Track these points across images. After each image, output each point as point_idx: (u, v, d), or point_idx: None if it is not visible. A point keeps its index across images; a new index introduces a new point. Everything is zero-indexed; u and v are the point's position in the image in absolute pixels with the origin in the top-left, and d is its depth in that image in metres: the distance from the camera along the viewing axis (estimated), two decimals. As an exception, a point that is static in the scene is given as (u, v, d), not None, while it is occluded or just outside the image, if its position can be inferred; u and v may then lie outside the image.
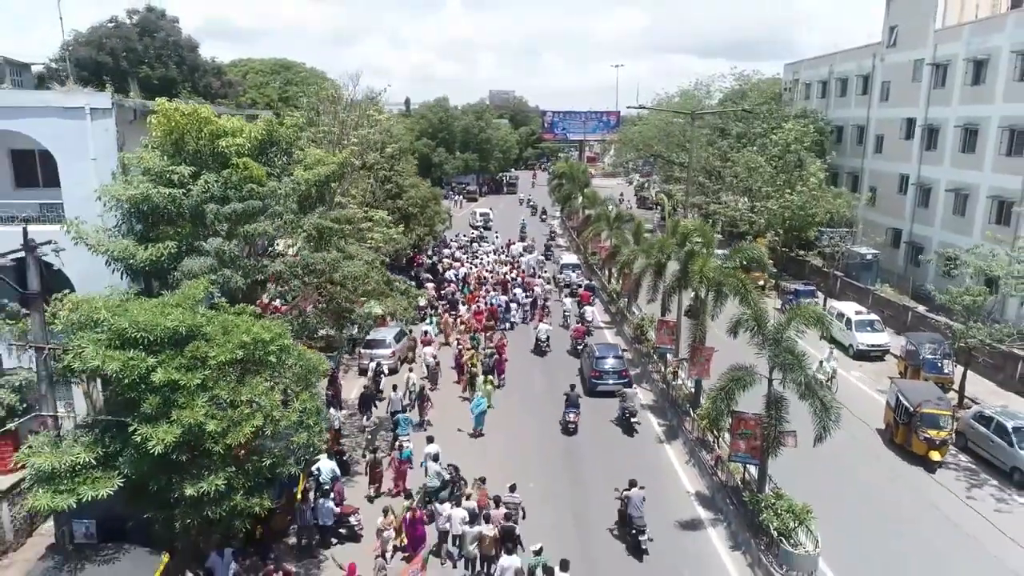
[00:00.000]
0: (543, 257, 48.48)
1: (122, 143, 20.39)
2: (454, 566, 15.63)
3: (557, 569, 13.59)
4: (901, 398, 22.13)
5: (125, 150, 19.77)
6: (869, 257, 39.16)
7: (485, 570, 15.19)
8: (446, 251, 47.48)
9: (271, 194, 17.85)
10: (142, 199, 16.48)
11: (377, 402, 22.68)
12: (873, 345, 30.29)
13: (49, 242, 14.09)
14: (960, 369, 25.36)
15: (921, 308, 33.51)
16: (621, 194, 67.99)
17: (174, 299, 14.18)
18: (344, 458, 19.66)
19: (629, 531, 16.41)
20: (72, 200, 19.03)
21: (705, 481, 19.27)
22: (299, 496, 17.72)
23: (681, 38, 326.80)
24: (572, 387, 23.47)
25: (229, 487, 13.40)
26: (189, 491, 12.79)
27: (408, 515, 15.89)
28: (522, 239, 52.50)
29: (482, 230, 58.99)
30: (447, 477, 17.60)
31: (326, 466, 17.96)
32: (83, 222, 17.12)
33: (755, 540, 15.62)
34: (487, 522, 15.15)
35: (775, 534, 14.94)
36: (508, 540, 14.68)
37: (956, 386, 25.45)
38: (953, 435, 21.63)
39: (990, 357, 27.28)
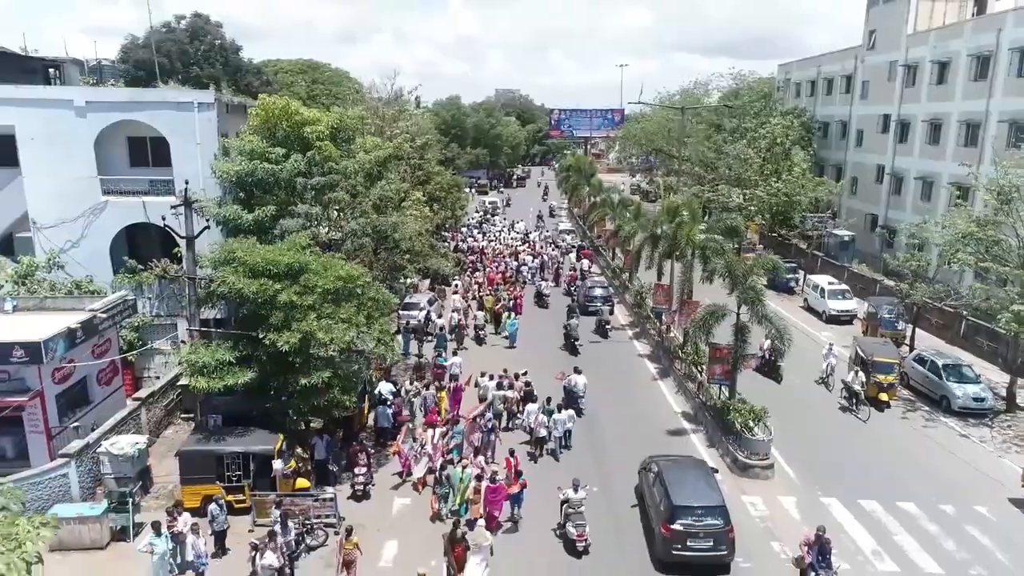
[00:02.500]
0: (536, 228, 58.62)
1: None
2: (487, 421, 20.77)
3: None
4: (859, 350, 26.57)
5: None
6: (846, 239, 43.60)
7: (509, 423, 22.23)
8: (464, 230, 53.94)
9: (343, 171, 22.53)
10: (248, 173, 21.08)
11: (427, 334, 28.55)
12: (842, 311, 34.79)
13: (197, 200, 18.71)
14: (912, 328, 29.90)
15: (889, 282, 37.89)
16: (621, 191, 73.11)
17: (285, 245, 18.81)
18: (397, 387, 24.26)
19: (569, 343, 29.05)
20: (181, 176, 23.65)
21: (689, 404, 23.86)
22: (365, 410, 22.40)
23: (686, 36, 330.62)
24: (574, 299, 35.29)
25: (328, 385, 18.09)
26: (303, 381, 17.48)
27: (452, 384, 23.05)
28: (508, 205, 73.30)
29: (489, 215, 67.21)
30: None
31: (385, 387, 22.59)
32: (193, 193, 21.79)
33: (724, 436, 20.24)
34: (510, 389, 22.44)
35: (739, 427, 19.52)
36: (529, 397, 21.80)
37: (908, 340, 29.97)
38: (899, 378, 26.03)
39: (940, 318, 31.83)
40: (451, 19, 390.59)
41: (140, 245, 26.41)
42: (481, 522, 15.64)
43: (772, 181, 44.92)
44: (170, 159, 24.50)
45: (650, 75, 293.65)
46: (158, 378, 24.00)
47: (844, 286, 36.42)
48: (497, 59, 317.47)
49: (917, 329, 31.08)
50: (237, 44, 50.80)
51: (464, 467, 17.30)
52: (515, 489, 16.66)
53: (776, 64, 64.32)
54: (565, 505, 16.36)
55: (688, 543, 15.09)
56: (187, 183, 18.45)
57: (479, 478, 16.70)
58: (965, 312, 29.70)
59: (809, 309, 37.04)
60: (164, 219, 18.64)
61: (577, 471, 18.08)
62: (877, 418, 23.86)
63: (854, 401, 23.95)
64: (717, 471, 17.48)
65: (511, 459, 17.65)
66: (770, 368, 25.98)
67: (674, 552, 15.22)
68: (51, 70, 41.22)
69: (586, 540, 15.86)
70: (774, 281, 40.84)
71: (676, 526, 15.10)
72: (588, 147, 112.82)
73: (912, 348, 29.46)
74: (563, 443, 20.74)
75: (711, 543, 15.09)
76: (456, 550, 14.36)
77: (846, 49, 51.03)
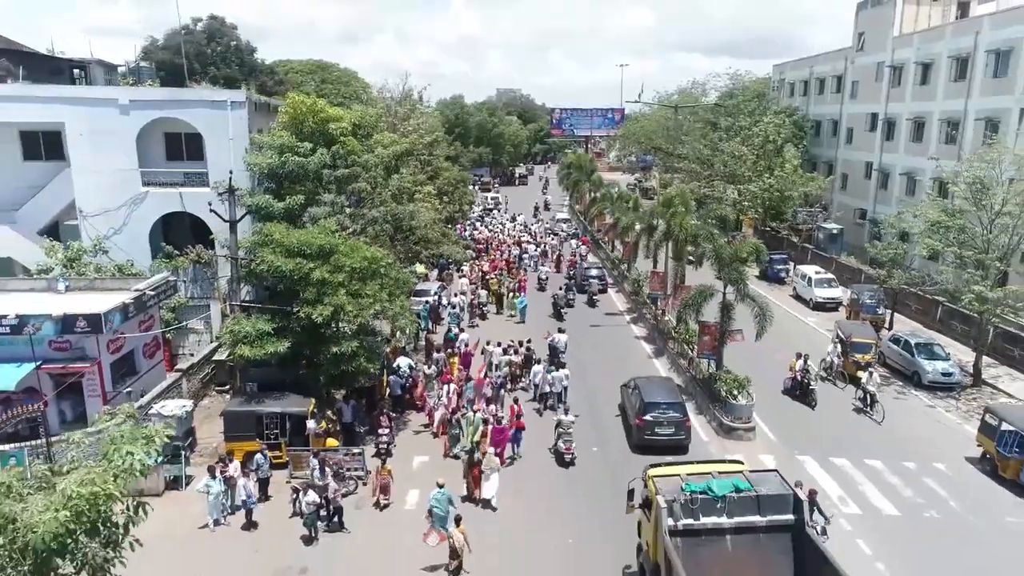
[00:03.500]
0: (534, 218, 64.47)
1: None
2: (494, 382, 23.73)
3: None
4: (839, 331, 28.64)
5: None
6: (835, 232, 45.69)
7: (512, 384, 24.92)
8: (468, 224, 56.89)
9: (364, 164, 24.66)
10: (279, 166, 23.19)
11: (441, 312, 31.60)
12: (828, 298, 36.89)
13: (238, 189, 20.82)
14: (891, 312, 31.99)
15: (874, 272, 40.00)
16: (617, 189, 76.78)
17: (316, 229, 20.93)
18: (412, 362, 26.41)
19: (556, 310, 33.74)
20: (214, 169, 25.79)
21: (681, 378, 25.95)
22: (385, 383, 24.51)
23: (688, 36, 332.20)
24: (571, 276, 39.92)
25: (355, 354, 20.21)
26: (334, 349, 19.64)
27: (464, 349, 26.00)
28: (506, 200, 75.98)
29: (491, 210, 71.35)
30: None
31: (404, 362, 24.73)
32: (223, 183, 23.88)
33: (712, 404, 22.35)
34: (515, 354, 25.47)
35: (724, 395, 21.63)
36: (530, 361, 25.10)
37: (887, 324, 32.07)
38: (876, 357, 28.05)
39: (919, 304, 33.92)
40: (452, 19, 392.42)
41: (173, 232, 28.59)
42: (491, 450, 18.45)
43: (765, 177, 47.04)
44: (202, 153, 26.70)
45: (651, 75, 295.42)
46: (192, 355, 26.12)
47: (830, 275, 38.54)
48: (498, 59, 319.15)
49: (898, 314, 33.19)
50: (252, 45, 52.93)
51: (476, 412, 20.31)
52: (515, 428, 20.35)
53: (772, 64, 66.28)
54: (558, 427, 20.31)
55: (656, 430, 20.07)
56: (231, 172, 20.57)
57: (486, 422, 19.77)
58: (941, 298, 31.81)
59: (798, 297, 39.12)
60: (210, 204, 20.74)
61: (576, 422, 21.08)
62: (851, 389, 25.95)
63: (868, 400, 23.74)
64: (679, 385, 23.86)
65: (515, 406, 21.12)
66: (802, 391, 24.34)
67: (645, 437, 20.09)
68: (76, 70, 43.30)
69: (572, 453, 19.85)
70: (766, 272, 43.18)
71: (647, 417, 20.11)
72: (589, 146, 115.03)
73: (891, 330, 31.51)
74: (560, 398, 23.51)
75: (672, 430, 20.10)
76: (474, 472, 17.72)
77: (837, 50, 53.07)
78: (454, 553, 14.52)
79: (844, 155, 51.34)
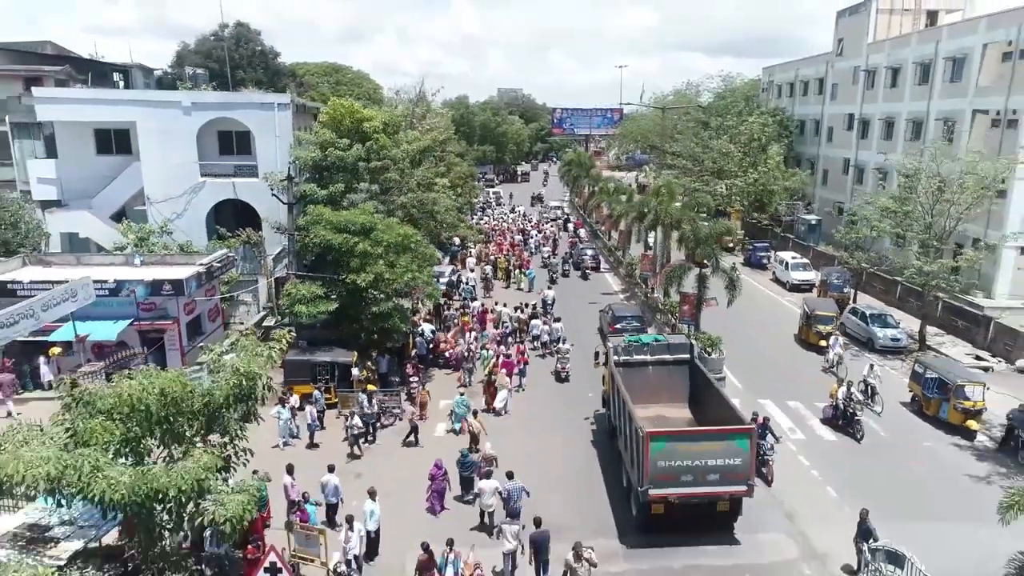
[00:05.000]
0: (531, 207, 74.18)
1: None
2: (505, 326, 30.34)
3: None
4: (805, 307, 32.65)
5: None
6: (813, 223, 49.78)
7: (520, 337, 30.26)
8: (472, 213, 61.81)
9: (393, 158, 28.72)
10: (322, 158, 27.23)
11: (459, 290, 36.00)
12: (802, 280, 40.96)
13: (292, 177, 24.89)
14: (855, 291, 36.08)
15: (839, 255, 44.02)
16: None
17: (358, 211, 24.99)
18: (434, 327, 30.49)
19: (550, 276, 40.56)
20: (262, 162, 29.85)
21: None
22: (411, 344, 28.59)
23: (689, 36, 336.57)
24: (569, 253, 47.10)
25: (390, 314, 24.29)
26: (374, 309, 23.73)
27: (481, 309, 31.54)
28: (509, 196, 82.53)
29: (494, 203, 77.17)
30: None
31: (427, 327, 28.81)
32: (273, 174, 27.96)
33: (690, 360, 26.47)
34: (521, 312, 31.54)
35: (699, 351, 25.63)
36: (533, 317, 31.18)
37: (852, 301, 36.11)
38: (837, 327, 32.03)
39: (882, 285, 37.97)
40: (453, 19, 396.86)
41: (221, 217, 32.67)
42: (504, 371, 23.82)
43: (750, 173, 51.11)
44: (250, 148, 30.78)
45: (652, 74, 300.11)
46: (242, 323, 30.17)
47: (805, 260, 42.64)
48: (498, 59, 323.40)
49: (864, 293, 37.20)
50: (276, 50, 57.04)
51: (489, 351, 25.80)
52: (521, 364, 26.20)
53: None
54: (557, 353, 26.94)
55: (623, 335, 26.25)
56: (289, 164, 24.63)
57: (497, 356, 25.54)
58: (899, 278, 35.87)
59: (776, 281, 43.21)
60: (272, 189, 24.80)
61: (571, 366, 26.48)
62: (813, 350, 30.03)
63: (870, 393, 24.26)
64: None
65: (521, 346, 27.55)
66: (846, 420, 22.21)
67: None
68: (116, 74, 47.34)
69: (567, 371, 26.45)
70: (750, 258, 47.32)
71: (617, 326, 28.05)
72: (589, 145, 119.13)
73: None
74: (560, 341, 28.45)
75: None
76: (490, 389, 23.31)
77: (819, 55, 57.06)
78: (474, 438, 19.92)
79: (825, 152, 55.31)
